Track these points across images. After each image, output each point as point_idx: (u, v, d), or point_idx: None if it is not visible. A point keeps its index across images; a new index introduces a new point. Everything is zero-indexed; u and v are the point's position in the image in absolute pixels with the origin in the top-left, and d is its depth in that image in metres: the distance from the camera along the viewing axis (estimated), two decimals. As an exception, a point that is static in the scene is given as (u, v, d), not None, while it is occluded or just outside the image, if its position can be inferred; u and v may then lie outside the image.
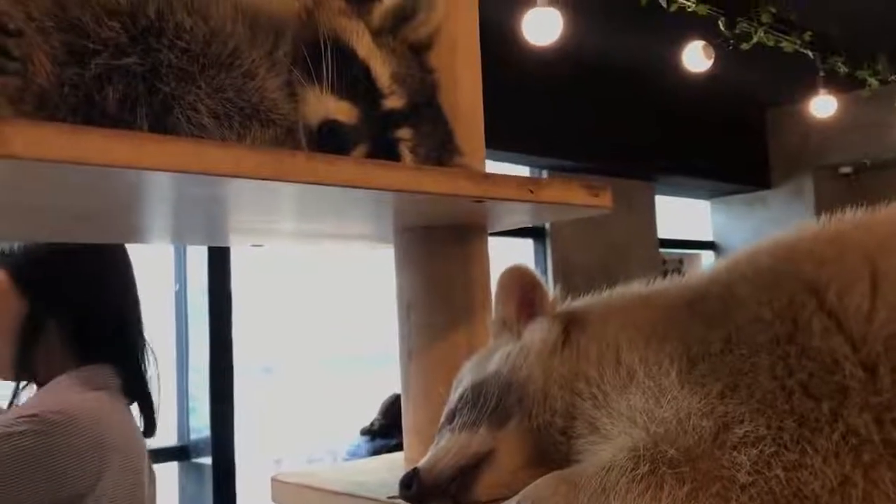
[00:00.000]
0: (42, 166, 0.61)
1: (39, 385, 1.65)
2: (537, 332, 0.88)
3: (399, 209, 1.00)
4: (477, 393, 0.86)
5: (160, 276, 4.63)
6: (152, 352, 1.78)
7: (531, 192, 0.98)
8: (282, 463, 6.39)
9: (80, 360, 1.65)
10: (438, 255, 1.14)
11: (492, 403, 0.84)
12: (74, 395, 1.58)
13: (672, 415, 0.69)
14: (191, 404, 4.57)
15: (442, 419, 0.90)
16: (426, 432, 1.06)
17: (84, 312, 1.68)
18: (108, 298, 1.72)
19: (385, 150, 0.89)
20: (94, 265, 1.69)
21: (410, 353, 1.15)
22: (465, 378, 0.91)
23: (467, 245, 1.15)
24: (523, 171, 6.13)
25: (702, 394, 0.69)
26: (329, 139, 0.83)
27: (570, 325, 0.87)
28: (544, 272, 6.14)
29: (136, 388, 1.71)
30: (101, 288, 1.71)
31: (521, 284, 0.94)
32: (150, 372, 1.76)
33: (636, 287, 0.90)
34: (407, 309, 1.16)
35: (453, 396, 0.91)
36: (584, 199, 1.03)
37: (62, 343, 1.65)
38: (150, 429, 1.74)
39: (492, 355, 0.91)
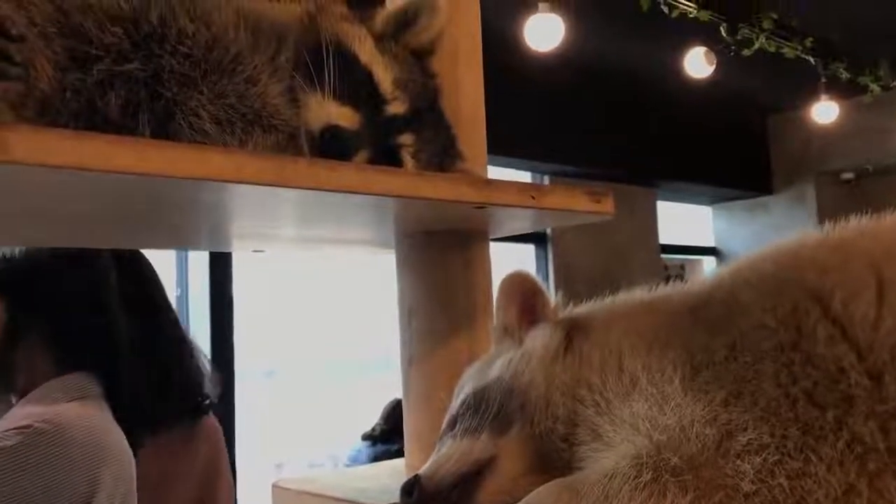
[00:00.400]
0: (44, 172, 0.61)
1: (20, 395, 1.62)
2: (539, 339, 0.87)
3: (400, 215, 1.00)
4: (479, 399, 0.86)
5: (162, 280, 4.62)
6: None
7: (533, 198, 0.98)
8: (283, 467, 6.38)
9: (60, 369, 1.61)
10: (440, 261, 1.14)
11: (493, 410, 0.83)
12: (62, 404, 1.55)
13: (675, 422, 0.69)
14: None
15: (443, 425, 0.89)
16: (427, 438, 1.06)
17: (64, 319, 1.65)
18: (88, 305, 1.69)
19: (387, 156, 0.89)
20: (75, 272, 1.66)
21: (411, 359, 1.15)
22: (467, 384, 0.91)
23: (469, 251, 1.15)
24: (525, 176, 6.14)
25: (705, 401, 0.69)
26: (331, 145, 0.83)
27: (573, 331, 0.86)
28: (546, 278, 6.14)
29: (117, 397, 1.69)
30: (83, 295, 1.68)
31: (522, 290, 0.93)
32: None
33: (639, 293, 0.90)
34: (408, 314, 1.16)
35: (455, 403, 0.90)
36: (586, 205, 1.03)
37: (42, 351, 1.62)
38: (131, 443, 1.68)
39: (493, 362, 0.90)
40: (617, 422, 0.74)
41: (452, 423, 0.87)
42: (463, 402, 0.87)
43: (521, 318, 0.92)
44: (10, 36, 0.59)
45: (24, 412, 1.52)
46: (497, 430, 0.82)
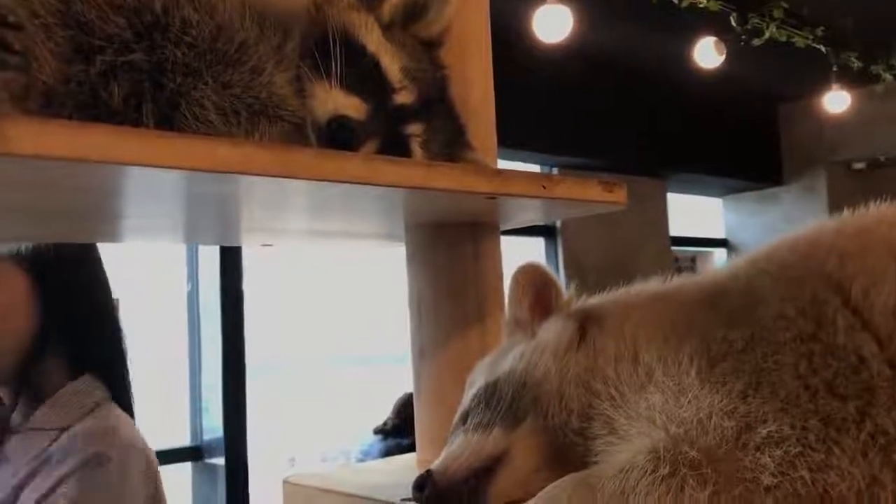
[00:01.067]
0: (46, 164, 0.60)
1: (40, 398, 1.59)
2: (552, 331, 0.86)
3: (409, 206, 0.99)
4: (490, 393, 0.85)
5: (173, 275, 4.65)
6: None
7: (544, 187, 0.96)
8: (295, 462, 6.40)
9: (75, 371, 1.61)
10: (450, 253, 1.13)
11: (506, 403, 0.82)
12: (112, 415, 1.60)
13: (692, 415, 0.68)
14: (203, 405, 4.57)
15: (455, 419, 0.88)
16: (439, 432, 1.05)
17: (85, 320, 1.64)
18: (101, 304, 1.69)
19: (395, 146, 0.88)
20: (90, 271, 1.66)
21: (422, 353, 1.14)
22: (479, 378, 0.90)
23: (479, 243, 1.13)
24: (534, 169, 6.12)
25: (723, 393, 0.68)
26: (338, 135, 0.81)
27: (586, 322, 0.85)
28: (556, 271, 6.11)
29: (122, 398, 1.69)
30: (99, 295, 1.68)
31: (534, 282, 0.92)
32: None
33: (653, 284, 0.88)
34: (418, 308, 1.15)
35: (466, 396, 0.89)
36: (598, 195, 1.01)
37: (59, 352, 1.61)
38: None
39: (505, 354, 0.89)
40: (633, 415, 0.73)
41: (464, 417, 0.85)
42: (474, 396, 0.86)
43: (534, 310, 0.91)
44: (7, 24, 0.57)
45: (82, 431, 1.54)
46: (509, 424, 0.81)
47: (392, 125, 0.88)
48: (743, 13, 5.02)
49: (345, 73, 0.83)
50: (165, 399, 4.63)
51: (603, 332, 0.82)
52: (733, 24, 5.04)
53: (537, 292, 0.91)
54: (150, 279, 4.51)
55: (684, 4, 4.67)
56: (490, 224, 1.14)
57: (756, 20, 5.07)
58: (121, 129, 0.63)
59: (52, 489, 1.45)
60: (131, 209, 0.88)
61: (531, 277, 0.92)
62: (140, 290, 4.27)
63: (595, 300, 0.91)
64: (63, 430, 1.53)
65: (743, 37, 5.10)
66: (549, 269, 0.93)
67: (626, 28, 5.39)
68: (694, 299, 0.81)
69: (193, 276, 4.65)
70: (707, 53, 5.12)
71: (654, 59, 5.83)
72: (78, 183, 0.69)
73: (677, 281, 0.87)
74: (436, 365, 1.11)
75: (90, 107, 0.69)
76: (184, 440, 4.49)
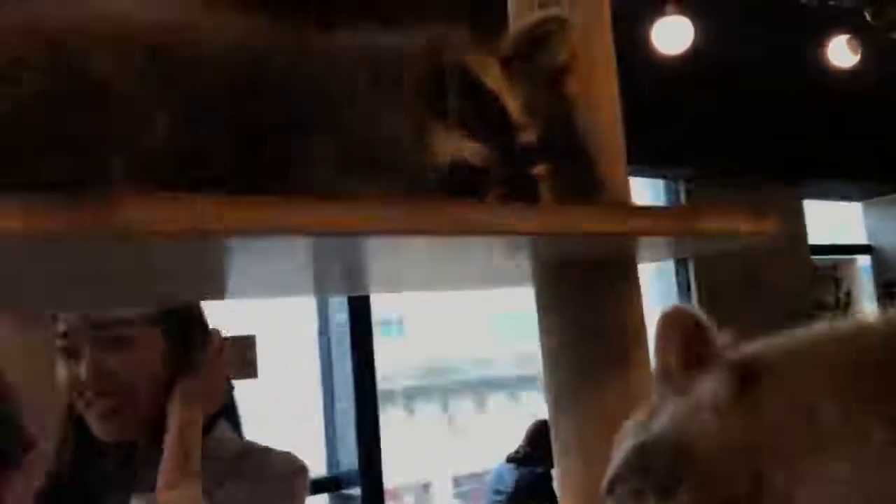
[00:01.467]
0: (161, 242, 0.56)
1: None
2: (708, 385, 0.77)
3: (538, 252, 0.92)
4: (639, 456, 0.76)
5: (303, 308, 4.75)
6: None
7: (685, 222, 0.88)
8: (430, 488, 6.42)
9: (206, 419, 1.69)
10: (583, 294, 1.05)
11: (658, 470, 0.74)
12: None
13: (887, 489, 0.58)
14: (338, 435, 4.64)
15: (603, 486, 0.80)
16: (582, 489, 0.98)
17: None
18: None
19: (521, 189, 0.81)
20: (201, 323, 1.75)
21: (558, 402, 1.06)
22: (627, 439, 0.81)
23: (616, 281, 1.05)
24: (658, 183, 5.95)
25: None
26: (460, 183, 0.75)
27: (747, 374, 0.75)
28: (688, 290, 5.90)
29: None
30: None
31: (683, 329, 0.83)
32: None
33: (820, 327, 0.78)
34: (551, 353, 1.07)
35: (614, 461, 0.81)
36: (747, 226, 0.92)
37: None
38: None
39: (656, 413, 0.80)
40: (813, 485, 0.63)
41: (612, 485, 0.77)
42: (623, 461, 0.78)
43: (684, 360, 0.82)
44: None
45: (265, 454, 1.69)
46: (664, 495, 0.72)
47: (517, 167, 0.82)
48: (879, 7, 4.73)
49: (463, 115, 0.78)
50: (301, 431, 4.73)
51: (768, 385, 0.73)
52: (868, 18, 4.75)
53: (687, 340, 0.82)
54: (281, 314, 4.62)
55: (814, 3, 4.44)
56: (627, 261, 1.06)
57: (894, 12, 4.76)
58: (231, 200, 0.59)
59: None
60: (248, 270, 0.85)
61: (679, 323, 0.83)
62: (273, 325, 4.38)
63: (755, 347, 0.81)
64: (234, 458, 1.64)
65: (880, 32, 4.80)
66: (700, 312, 0.84)
67: (751, 31, 5.17)
68: (873, 345, 0.70)
69: (323, 308, 4.74)
70: (841, 52, 4.86)
71: (783, 61, 5.57)
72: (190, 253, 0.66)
73: (849, 323, 0.77)
74: (574, 417, 1.04)
75: (197, 175, 0.65)
76: (321, 471, 4.56)
